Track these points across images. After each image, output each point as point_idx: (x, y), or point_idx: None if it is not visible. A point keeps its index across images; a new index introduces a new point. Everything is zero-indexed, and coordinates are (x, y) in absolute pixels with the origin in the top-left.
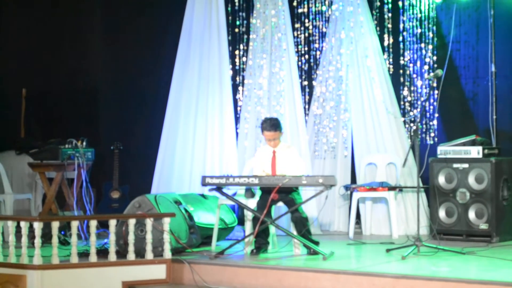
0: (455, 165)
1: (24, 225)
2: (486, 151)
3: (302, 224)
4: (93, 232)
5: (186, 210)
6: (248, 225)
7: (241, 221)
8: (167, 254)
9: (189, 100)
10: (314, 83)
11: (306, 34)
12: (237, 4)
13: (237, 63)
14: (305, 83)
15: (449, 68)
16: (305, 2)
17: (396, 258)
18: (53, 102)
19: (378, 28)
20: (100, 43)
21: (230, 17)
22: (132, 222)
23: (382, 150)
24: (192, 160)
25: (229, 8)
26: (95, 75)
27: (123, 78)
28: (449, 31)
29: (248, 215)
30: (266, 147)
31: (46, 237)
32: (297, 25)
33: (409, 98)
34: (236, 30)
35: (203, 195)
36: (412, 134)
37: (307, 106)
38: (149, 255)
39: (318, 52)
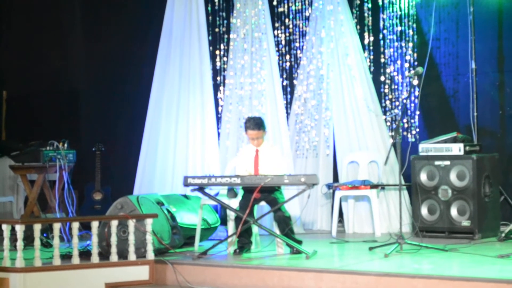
0: (436, 163)
1: (6, 227)
2: (467, 148)
3: (285, 223)
4: (76, 234)
5: (169, 211)
6: (231, 225)
7: (223, 221)
8: (150, 255)
9: (170, 100)
10: (295, 82)
11: (287, 33)
12: (217, 4)
13: (218, 63)
14: (286, 82)
15: (429, 66)
16: (285, 1)
17: (379, 256)
18: (34, 104)
19: (358, 27)
20: (81, 44)
21: (210, 17)
22: (114, 223)
23: (364, 148)
24: (174, 161)
25: (209, 8)
26: (76, 76)
27: (104, 80)
28: (429, 29)
29: (231, 215)
30: (249, 146)
31: (28, 239)
32: (277, 25)
33: (390, 96)
34: (217, 30)
35: (185, 196)
36: (393, 132)
37: (288, 105)
38: (132, 256)
39: (298, 51)
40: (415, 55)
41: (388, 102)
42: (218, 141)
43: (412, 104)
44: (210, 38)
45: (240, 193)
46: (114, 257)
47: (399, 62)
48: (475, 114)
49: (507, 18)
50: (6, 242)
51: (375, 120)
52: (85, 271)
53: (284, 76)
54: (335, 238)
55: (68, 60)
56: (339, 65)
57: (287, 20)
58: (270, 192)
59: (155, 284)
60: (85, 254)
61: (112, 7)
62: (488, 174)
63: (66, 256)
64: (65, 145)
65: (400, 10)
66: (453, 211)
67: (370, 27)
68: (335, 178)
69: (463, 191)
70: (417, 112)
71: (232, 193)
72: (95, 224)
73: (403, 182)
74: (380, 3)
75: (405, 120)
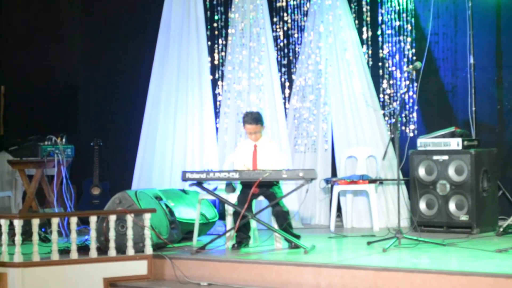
0: (435, 157)
1: (4, 222)
2: (465, 142)
3: (283, 218)
4: (74, 229)
5: (167, 206)
6: (229, 220)
7: (222, 216)
8: (148, 249)
9: (168, 95)
10: (293, 77)
11: (285, 28)
12: None
13: (216, 58)
14: (285, 77)
15: (428, 61)
16: None
17: (377, 250)
18: (32, 99)
19: (356, 21)
20: (79, 39)
21: (208, 12)
22: (112, 218)
23: (362, 143)
24: (172, 156)
25: (208, 3)
26: (74, 71)
27: (102, 75)
28: (427, 24)
29: (229, 209)
30: (247, 141)
31: (27, 234)
32: (275, 19)
33: (388, 91)
34: (215, 24)
35: (183, 190)
36: (391, 126)
37: (286, 100)
38: (130, 251)
39: (297, 46)
40: (414, 50)
41: (386, 97)
42: (216, 136)
43: (411, 99)
44: (208, 33)
45: (239, 187)
46: (112, 252)
47: (397, 57)
48: (473, 109)
49: (505, 13)
50: (4, 237)
51: (373, 115)
52: (84, 266)
53: (283, 71)
54: (333, 232)
55: (67, 55)
56: (338, 60)
57: (285, 14)
58: (268, 187)
59: (153, 279)
60: (83, 249)
61: (110, 3)
62: (486, 169)
63: (65, 251)
64: (63, 140)
65: (399, 5)
66: (451, 206)
67: (369, 22)
68: (334, 173)
69: (461, 186)
70: (416, 107)
71: (230, 187)
72: (93, 219)
73: (401, 177)
74: None
75: (403, 115)
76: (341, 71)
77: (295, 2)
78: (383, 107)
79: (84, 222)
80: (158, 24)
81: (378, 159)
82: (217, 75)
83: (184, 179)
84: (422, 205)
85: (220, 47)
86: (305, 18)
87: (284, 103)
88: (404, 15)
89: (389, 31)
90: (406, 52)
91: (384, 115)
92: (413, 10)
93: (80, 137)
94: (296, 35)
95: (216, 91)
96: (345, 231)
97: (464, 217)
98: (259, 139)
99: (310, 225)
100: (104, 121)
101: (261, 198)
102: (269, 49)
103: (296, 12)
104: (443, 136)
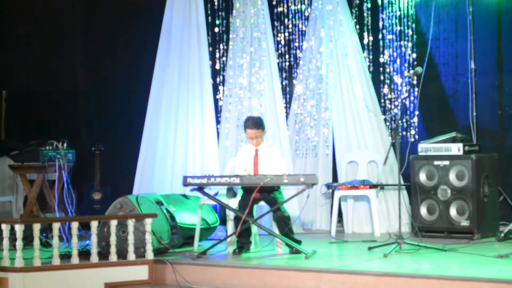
0: (436, 162)
1: (5, 227)
2: (466, 148)
3: (284, 223)
4: (75, 233)
5: (168, 211)
6: (230, 225)
7: (223, 221)
8: (149, 254)
9: (169, 100)
10: (294, 82)
11: (286, 33)
12: (216, 3)
13: (217, 63)
14: (286, 82)
15: (428, 66)
16: (285, 1)
17: (378, 256)
18: (34, 104)
19: (357, 26)
20: (80, 44)
21: (209, 17)
22: (114, 223)
23: (363, 148)
24: (173, 160)
25: (209, 8)
26: (76, 76)
27: (104, 79)
28: (428, 29)
29: (230, 214)
30: (248, 146)
31: (28, 239)
32: (276, 24)
33: (389, 96)
34: (216, 29)
35: (185, 195)
36: (392, 131)
37: (287, 105)
38: (131, 256)
39: (298, 51)
40: (414, 55)
41: (387, 102)
42: (218, 141)
43: (412, 104)
44: (209, 38)
45: (240, 193)
46: (113, 257)
47: (398, 62)
48: (474, 114)
49: (506, 18)
50: (6, 242)
51: (374, 120)
52: (85, 271)
53: (284, 76)
54: (334, 238)
55: (68, 59)
56: (339, 65)
57: (286, 20)
58: (269, 192)
59: (154, 284)
60: (84, 254)
61: (112, 7)
62: (487, 174)
63: (66, 256)
64: (65, 144)
65: (400, 10)
66: (452, 211)
67: (370, 27)
68: (334, 178)
69: (462, 191)
70: (416, 112)
71: (231, 193)
72: (94, 224)
73: (402, 182)
74: (380, 3)
75: (404, 120)
76: (342, 76)
77: (296, 7)
78: (384, 112)
79: (85, 227)
80: (159, 28)
81: (379, 164)
82: (218, 80)
83: (185, 184)
84: (423, 210)
85: (221, 52)
86: (306, 23)
87: (285, 108)
88: (405, 20)
89: (390, 36)
90: (407, 57)
91: (385, 120)
92: (414, 15)
93: (81, 142)
94: (297, 40)
95: (217, 96)
96: (346, 236)
97: (465, 223)
98: (260, 144)
99: (311, 230)
100: (105, 126)
101: (262, 203)
102: (270, 54)
103: (297, 17)
104: (444, 141)
